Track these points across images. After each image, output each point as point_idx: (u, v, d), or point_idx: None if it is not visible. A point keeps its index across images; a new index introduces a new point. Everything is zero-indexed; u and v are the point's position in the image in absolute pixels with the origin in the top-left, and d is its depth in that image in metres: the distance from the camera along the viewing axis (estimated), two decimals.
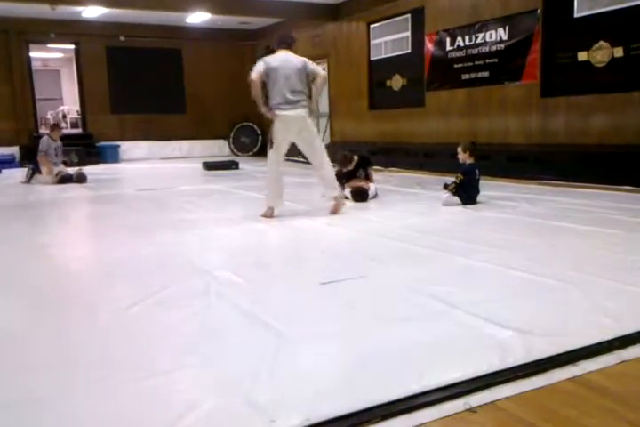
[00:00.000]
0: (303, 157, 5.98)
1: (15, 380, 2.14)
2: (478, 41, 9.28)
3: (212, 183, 9.17)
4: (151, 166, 13.16)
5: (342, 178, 6.87)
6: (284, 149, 5.72)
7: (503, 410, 1.85)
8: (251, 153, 15.89)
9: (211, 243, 4.66)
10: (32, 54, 14.68)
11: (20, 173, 10.26)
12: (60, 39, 14.79)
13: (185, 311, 2.86)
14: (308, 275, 3.54)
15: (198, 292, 3.17)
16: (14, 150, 13.45)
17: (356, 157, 6.88)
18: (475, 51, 9.36)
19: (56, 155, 9.68)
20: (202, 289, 3.21)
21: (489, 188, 6.89)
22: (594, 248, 4.01)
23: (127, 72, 14.86)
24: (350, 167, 6.83)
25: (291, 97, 5.48)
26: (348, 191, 6.65)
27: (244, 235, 5.01)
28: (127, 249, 4.38)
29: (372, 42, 11.81)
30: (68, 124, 17.69)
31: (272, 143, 5.72)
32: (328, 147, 13.13)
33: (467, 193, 6.08)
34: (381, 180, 8.33)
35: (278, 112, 5.50)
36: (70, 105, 18.52)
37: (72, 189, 8.74)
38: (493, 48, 9.04)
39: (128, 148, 14.94)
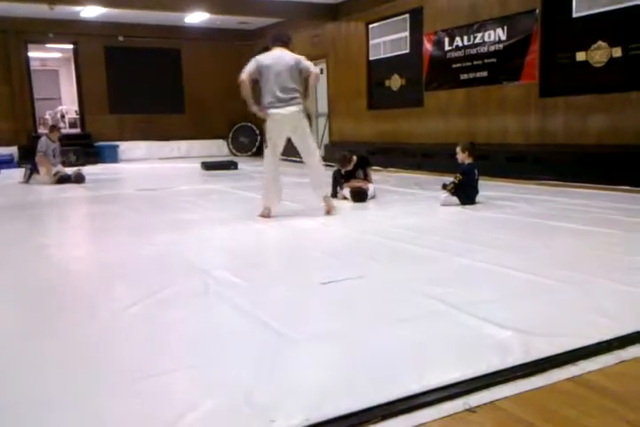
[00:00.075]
0: (299, 156, 5.97)
1: (15, 380, 2.14)
2: (477, 41, 9.29)
3: (211, 183, 9.17)
4: (150, 166, 13.16)
5: (341, 178, 6.88)
6: (280, 148, 5.69)
7: (502, 410, 1.86)
8: (249, 153, 15.90)
9: (210, 243, 4.66)
10: (30, 54, 14.68)
11: (19, 173, 10.25)
12: (59, 39, 14.79)
13: (184, 311, 2.87)
14: (308, 275, 3.55)
15: (197, 292, 3.18)
16: (13, 150, 13.45)
17: (354, 158, 6.88)
18: (473, 51, 9.38)
19: (54, 156, 9.66)
20: (201, 289, 3.22)
21: (488, 188, 6.90)
22: (592, 248, 4.02)
23: (126, 72, 14.86)
24: (349, 167, 6.83)
25: (282, 95, 5.44)
26: (347, 191, 6.65)
27: (243, 235, 5.01)
28: (126, 249, 4.38)
29: (371, 42, 11.82)
30: (67, 124, 17.69)
31: (267, 143, 5.72)
32: (327, 147, 13.22)
33: (465, 193, 6.08)
34: (380, 180, 8.34)
35: (270, 111, 5.48)
36: (69, 105, 18.52)
37: (70, 190, 8.74)
38: (492, 48, 9.05)
39: (127, 148, 14.94)
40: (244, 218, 5.64)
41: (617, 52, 7.36)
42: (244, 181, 9.00)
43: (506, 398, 1.92)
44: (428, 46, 10.27)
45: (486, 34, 9.12)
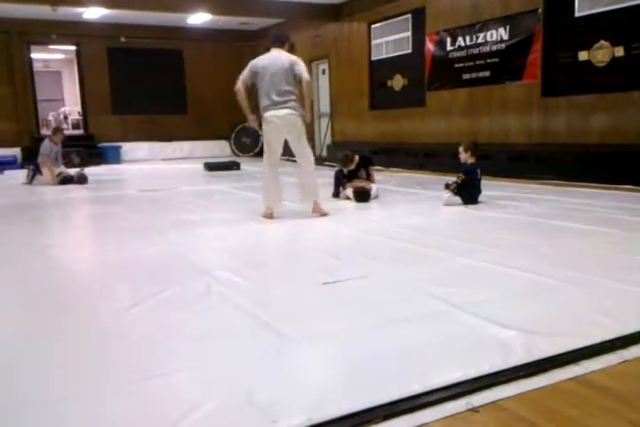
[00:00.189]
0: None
1: (16, 380, 2.15)
2: (479, 41, 9.28)
3: (214, 184, 9.17)
4: (153, 167, 13.18)
5: (344, 178, 6.88)
6: (278, 149, 5.63)
7: (505, 410, 1.85)
8: (252, 153, 15.89)
9: (212, 243, 4.66)
10: (33, 55, 14.71)
11: (22, 174, 10.26)
12: (62, 40, 14.81)
13: (186, 312, 2.87)
14: (310, 275, 3.54)
15: (199, 292, 3.18)
16: (16, 151, 13.48)
17: (357, 157, 6.87)
18: (475, 50, 9.36)
19: (56, 159, 9.67)
20: (203, 290, 3.22)
21: (490, 187, 6.89)
22: (595, 248, 4.01)
23: (128, 73, 14.89)
24: (352, 167, 6.83)
25: (277, 98, 5.41)
26: (350, 191, 6.65)
27: (246, 235, 5.01)
28: (129, 250, 4.39)
29: (373, 42, 11.81)
30: (70, 126, 17.70)
31: (265, 148, 5.68)
32: (329, 147, 13.22)
33: (468, 193, 6.08)
34: (382, 180, 8.33)
35: (266, 114, 5.46)
36: (72, 106, 18.53)
37: (73, 190, 8.75)
38: (494, 48, 9.04)
39: (129, 148, 14.97)
40: (247, 218, 5.64)
41: (619, 52, 7.34)
42: (246, 182, 9.00)
43: (508, 397, 1.92)
44: (430, 46, 10.26)
45: (488, 33, 9.11)
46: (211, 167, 11.68)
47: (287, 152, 5.84)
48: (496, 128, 9.16)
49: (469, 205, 6.01)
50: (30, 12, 12.46)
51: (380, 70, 11.76)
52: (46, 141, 9.64)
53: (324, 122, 13.81)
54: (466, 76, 9.60)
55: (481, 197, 6.21)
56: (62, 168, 9.74)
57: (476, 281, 3.29)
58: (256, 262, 3.99)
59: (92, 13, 12.65)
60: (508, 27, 8.77)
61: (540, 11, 8.26)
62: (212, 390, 2.00)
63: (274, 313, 2.78)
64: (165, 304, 2.99)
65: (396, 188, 7.87)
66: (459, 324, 2.57)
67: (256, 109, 5.60)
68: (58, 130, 10.04)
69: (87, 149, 13.89)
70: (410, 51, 10.91)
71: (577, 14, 7.83)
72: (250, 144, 16.02)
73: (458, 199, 6.07)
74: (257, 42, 14.80)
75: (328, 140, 13.62)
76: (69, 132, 15.55)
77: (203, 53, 15.57)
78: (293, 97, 5.46)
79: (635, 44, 7.17)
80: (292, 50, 5.81)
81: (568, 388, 2.00)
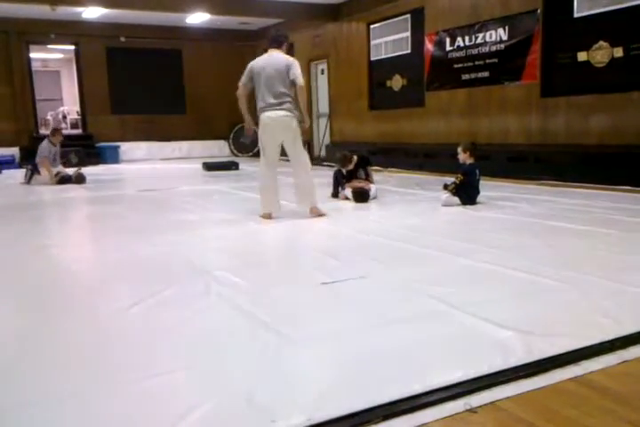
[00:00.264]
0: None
1: (15, 381, 2.15)
2: (478, 41, 9.29)
3: (212, 184, 9.17)
4: (151, 167, 13.17)
5: (343, 178, 6.88)
6: (273, 152, 5.59)
7: (504, 410, 1.85)
8: (251, 153, 15.88)
9: (211, 243, 4.66)
10: (32, 55, 14.70)
11: (20, 173, 10.26)
12: (60, 40, 14.80)
13: (185, 312, 2.87)
14: (309, 275, 3.54)
15: (199, 292, 3.18)
16: (14, 151, 13.46)
17: (355, 157, 6.87)
18: (475, 51, 9.37)
19: (54, 159, 9.66)
20: (202, 290, 3.22)
21: (489, 188, 6.90)
22: (593, 248, 4.01)
23: (127, 73, 14.88)
24: (350, 167, 6.83)
25: (272, 100, 5.39)
26: (349, 192, 6.65)
27: (245, 235, 5.01)
28: (128, 250, 4.38)
29: (372, 42, 11.82)
30: (69, 125, 17.69)
31: (261, 152, 5.68)
32: (328, 147, 13.22)
33: (467, 193, 6.08)
34: (381, 180, 8.34)
35: (261, 117, 5.46)
36: (70, 106, 18.52)
37: (72, 190, 8.75)
38: (493, 48, 9.05)
39: (128, 148, 14.96)
40: (246, 218, 5.64)
41: (618, 52, 7.35)
42: (245, 182, 8.99)
43: (507, 398, 1.92)
44: (429, 46, 10.26)
45: (487, 34, 9.12)
46: (209, 167, 11.67)
47: (285, 152, 5.83)
48: (495, 128, 9.17)
49: (468, 206, 6.01)
50: (29, 12, 12.45)
51: (380, 70, 11.76)
52: (45, 142, 9.61)
53: (323, 122, 13.81)
54: (465, 77, 9.61)
55: (479, 198, 6.22)
56: (60, 168, 9.74)
57: (474, 281, 3.29)
58: (255, 262, 3.99)
59: (91, 13, 12.64)
60: (507, 27, 8.78)
61: (539, 11, 8.27)
62: (211, 390, 2.00)
63: (273, 313, 2.78)
64: (165, 304, 2.99)
65: (394, 188, 7.87)
66: (458, 324, 2.57)
67: (255, 112, 5.61)
68: (57, 131, 10.00)
69: (86, 148, 13.86)
70: (409, 51, 10.91)
71: (576, 15, 7.84)
72: (249, 144, 15.99)
73: (456, 200, 6.07)
74: (256, 42, 14.80)
75: (327, 140, 13.62)
76: (68, 131, 15.53)
77: (202, 53, 15.57)
78: (289, 99, 5.43)
79: (634, 45, 7.18)
80: (290, 50, 5.79)
81: (567, 388, 2.00)
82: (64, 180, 9.38)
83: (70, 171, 9.77)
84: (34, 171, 9.49)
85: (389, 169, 10.55)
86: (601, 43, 7.53)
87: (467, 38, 9.49)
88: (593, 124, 7.71)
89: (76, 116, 16.99)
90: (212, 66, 15.54)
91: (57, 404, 1.95)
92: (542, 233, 4.62)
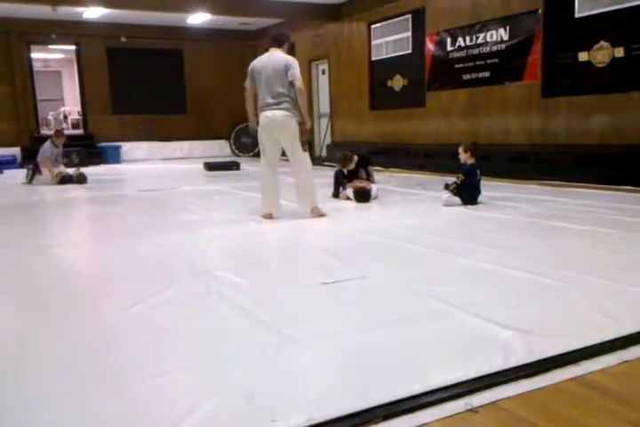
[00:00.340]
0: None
1: (16, 381, 2.15)
2: (479, 41, 9.28)
3: (213, 184, 9.17)
4: (152, 167, 13.17)
5: (344, 178, 6.88)
6: (273, 152, 5.58)
7: (504, 410, 1.85)
8: (251, 153, 15.89)
9: (212, 243, 4.66)
10: (33, 55, 14.69)
11: (22, 173, 10.26)
12: (61, 40, 14.81)
13: (186, 312, 2.87)
14: (309, 275, 3.55)
15: (200, 292, 3.18)
16: (16, 151, 13.47)
17: (355, 157, 6.87)
18: (475, 51, 9.37)
19: (56, 160, 9.66)
20: (203, 290, 3.22)
21: (490, 188, 6.90)
22: (594, 248, 4.01)
23: (128, 73, 14.88)
24: (351, 167, 6.83)
25: (271, 100, 5.39)
26: (350, 192, 6.65)
27: (246, 235, 5.01)
28: (129, 250, 4.39)
29: (373, 42, 11.82)
30: (70, 125, 17.72)
31: (261, 153, 5.68)
32: (329, 147, 13.22)
33: (468, 193, 6.08)
34: (382, 180, 8.33)
35: (260, 115, 5.47)
36: (71, 106, 18.55)
37: (73, 190, 8.75)
38: (494, 48, 9.05)
39: (129, 148, 14.96)
40: (246, 218, 5.64)
41: (619, 53, 7.34)
42: (246, 182, 8.99)
43: (508, 398, 1.92)
44: (430, 46, 10.26)
45: (488, 34, 9.11)
46: (210, 167, 11.67)
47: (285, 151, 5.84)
48: (496, 129, 9.16)
49: (469, 206, 6.01)
50: (30, 12, 12.45)
51: (380, 70, 11.76)
52: (47, 143, 9.61)
53: (324, 122, 13.81)
54: (466, 77, 9.61)
55: (480, 198, 6.22)
56: (61, 168, 9.74)
57: (475, 281, 3.29)
58: (256, 262, 3.99)
59: (92, 13, 12.64)
60: (508, 27, 8.78)
61: (540, 11, 8.26)
62: (211, 390, 2.00)
63: (273, 313, 2.78)
64: (166, 304, 3.00)
65: (396, 188, 7.87)
66: (458, 324, 2.57)
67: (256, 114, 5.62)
68: (60, 133, 9.95)
69: (87, 148, 13.88)
70: (410, 51, 10.91)
71: (577, 15, 7.84)
72: (249, 144, 16.02)
73: (457, 200, 6.07)
74: (257, 42, 14.80)
75: (328, 140, 13.62)
76: (69, 131, 15.54)
77: (203, 53, 15.57)
78: (287, 99, 5.41)
79: (635, 45, 7.18)
80: (291, 51, 5.79)
81: (568, 388, 2.00)
82: (65, 180, 9.38)
83: (71, 171, 9.77)
84: (35, 171, 9.50)
85: (390, 169, 10.55)
86: (602, 43, 7.53)
87: (467, 38, 9.48)
88: (594, 125, 7.70)
89: (77, 117, 17.01)
90: (213, 66, 15.54)
91: (57, 404, 1.95)
92: (543, 233, 4.62)
